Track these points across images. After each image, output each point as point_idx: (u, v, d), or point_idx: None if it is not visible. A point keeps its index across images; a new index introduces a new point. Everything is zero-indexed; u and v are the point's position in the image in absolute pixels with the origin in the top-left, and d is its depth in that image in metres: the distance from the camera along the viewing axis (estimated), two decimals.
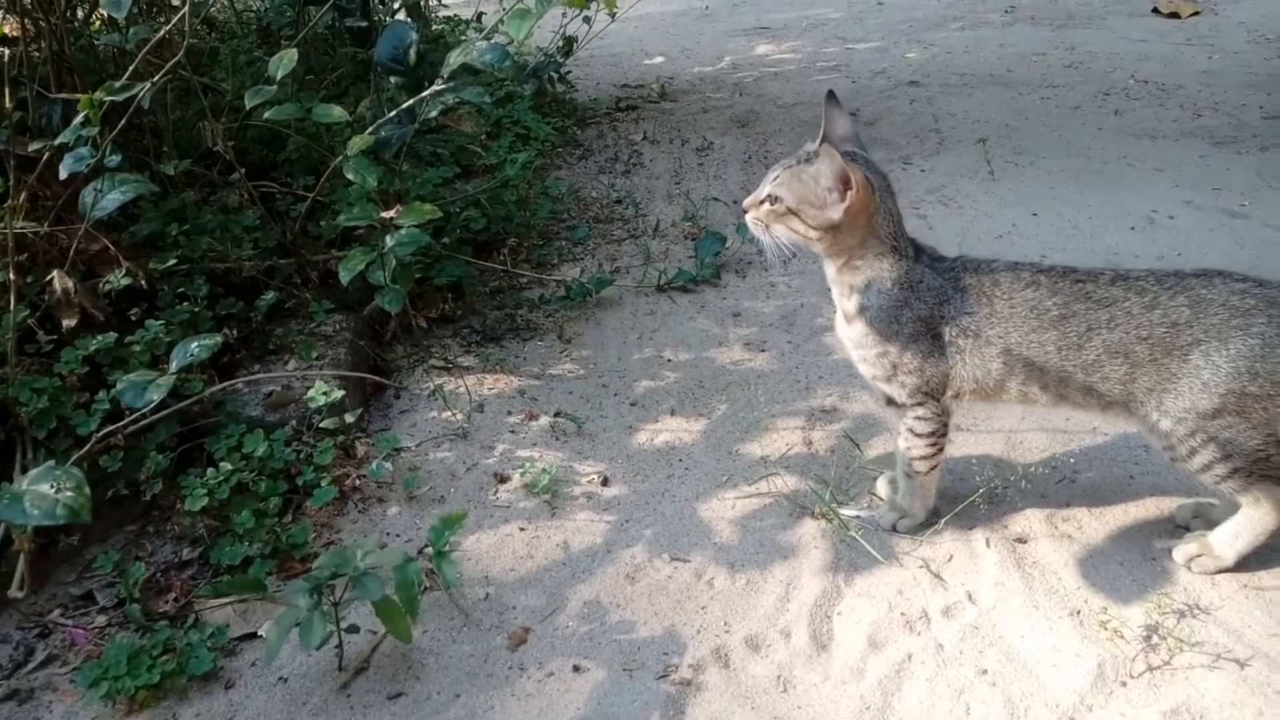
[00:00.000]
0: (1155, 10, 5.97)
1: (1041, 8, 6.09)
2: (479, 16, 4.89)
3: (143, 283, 2.38)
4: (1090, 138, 4.08)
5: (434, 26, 4.70)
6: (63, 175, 1.94)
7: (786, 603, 1.90)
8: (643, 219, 3.53)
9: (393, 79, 2.41)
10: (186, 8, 2.07)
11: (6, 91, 2.25)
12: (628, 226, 3.49)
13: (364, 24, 3.71)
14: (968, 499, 2.04)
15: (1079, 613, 1.83)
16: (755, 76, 5.08)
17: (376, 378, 2.53)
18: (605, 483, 2.27)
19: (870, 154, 1.96)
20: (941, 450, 1.98)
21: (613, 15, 2.10)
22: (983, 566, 1.96)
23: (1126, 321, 1.74)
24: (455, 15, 4.88)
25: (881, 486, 2.16)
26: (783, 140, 4.18)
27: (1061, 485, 2.17)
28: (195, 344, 1.76)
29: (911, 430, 1.94)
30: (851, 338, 1.92)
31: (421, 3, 4.10)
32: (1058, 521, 2.06)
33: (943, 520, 2.03)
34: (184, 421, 2.20)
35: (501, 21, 2.24)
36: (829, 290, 1.98)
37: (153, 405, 1.72)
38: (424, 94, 2.33)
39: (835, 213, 1.75)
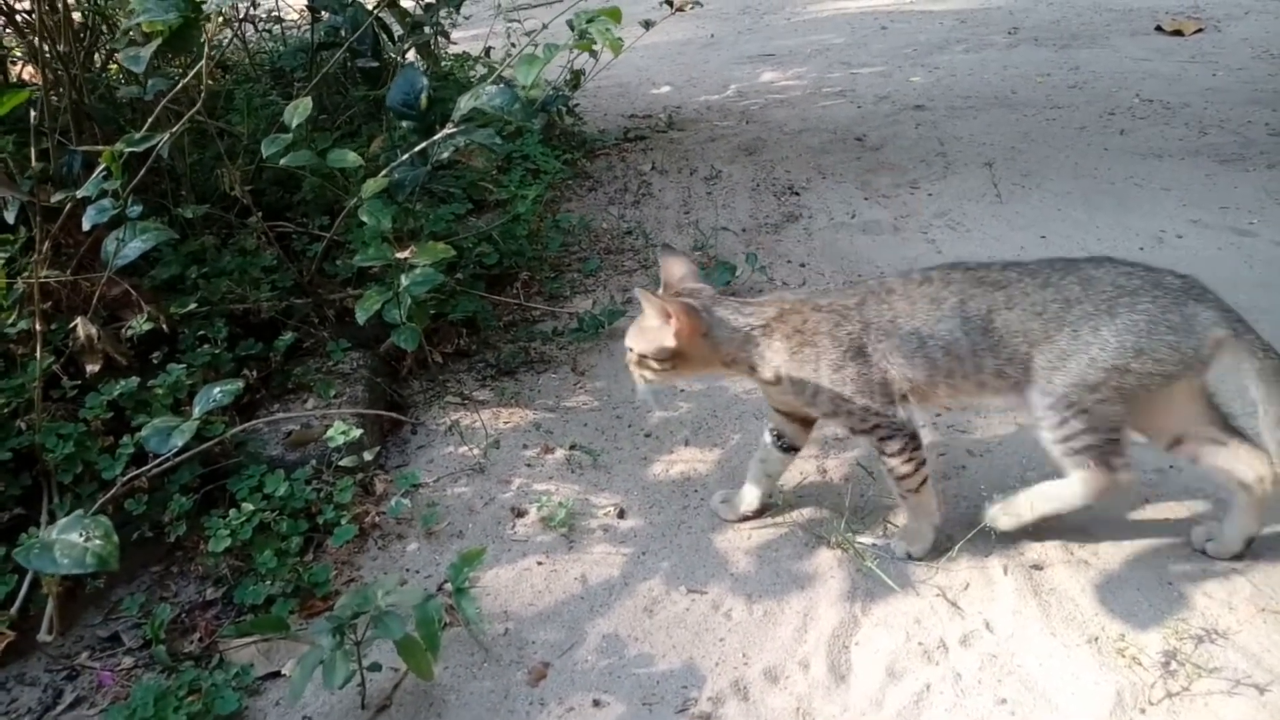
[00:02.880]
0: (1159, 28, 6.01)
1: (1045, 28, 6.14)
2: (487, 52, 4.98)
3: (164, 326, 2.43)
4: (1097, 158, 4.11)
5: (443, 63, 4.78)
6: (86, 227, 1.99)
7: (804, 633, 1.91)
8: (653, 249, 3.56)
9: (404, 123, 2.46)
10: (204, 61, 2.13)
11: (32, 144, 2.32)
12: (638, 257, 3.53)
13: (375, 64, 3.79)
14: (981, 525, 2.05)
15: (1097, 640, 1.83)
16: (761, 104, 5.14)
17: (394, 415, 2.57)
18: (622, 515, 2.29)
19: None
20: (922, 463, 1.98)
21: (616, 54, 2.14)
22: (1000, 594, 1.96)
23: (1023, 300, 1.84)
24: (465, 51, 4.96)
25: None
26: (790, 167, 4.22)
27: (1077, 510, 2.17)
28: (218, 389, 1.79)
29: (883, 453, 1.97)
30: (783, 394, 2.02)
31: (430, 42, 4.18)
32: (1073, 547, 2.07)
33: (956, 546, 2.04)
34: (205, 462, 2.24)
35: (502, 66, 2.29)
36: None
37: (176, 450, 1.76)
38: (435, 137, 2.38)
39: (670, 340, 1.93)
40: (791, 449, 2.16)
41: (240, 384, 1.81)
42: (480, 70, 4.99)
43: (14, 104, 1.47)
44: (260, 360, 2.57)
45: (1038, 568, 2.02)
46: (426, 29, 3.97)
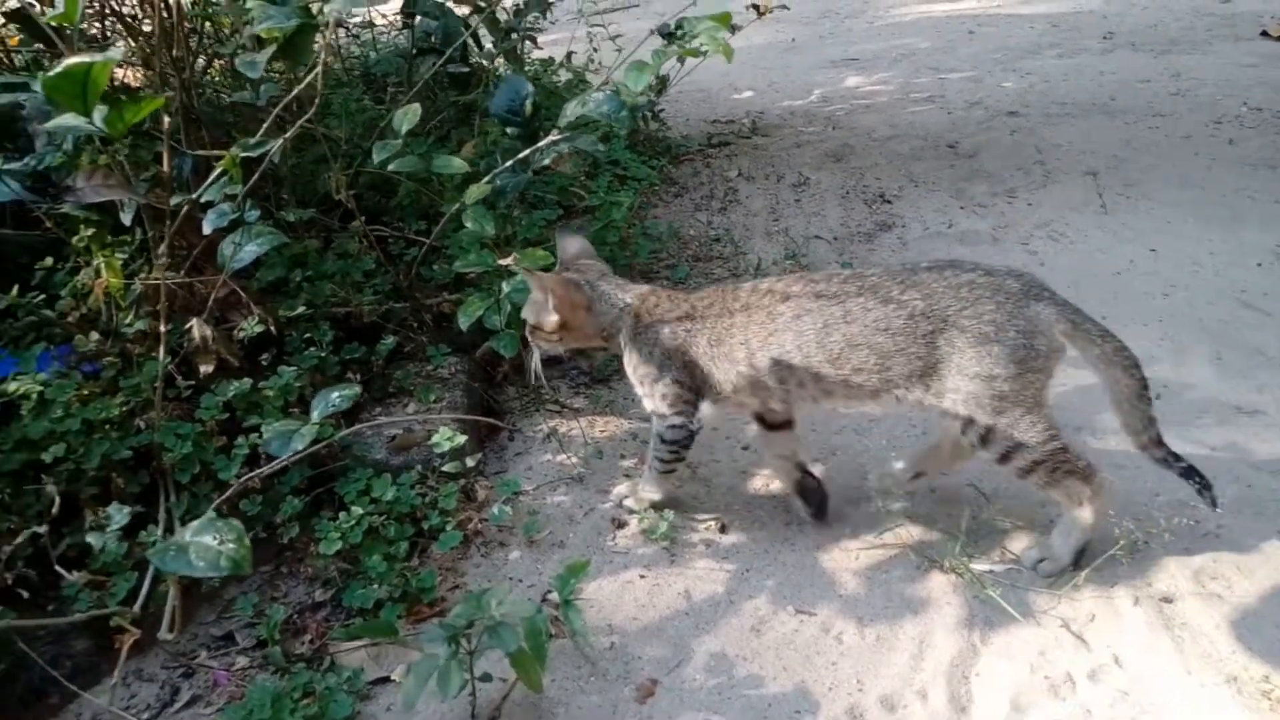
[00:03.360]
0: (1264, 34, 5.76)
1: (1141, 33, 5.93)
2: (569, 56, 4.99)
3: (272, 328, 2.47)
4: (1205, 169, 3.94)
5: (527, 68, 4.80)
6: (207, 231, 2.02)
7: (921, 661, 1.85)
8: (742, 257, 3.52)
9: (509, 129, 2.46)
10: (319, 67, 2.15)
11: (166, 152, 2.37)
12: (728, 265, 3.49)
13: (465, 69, 3.81)
14: (1106, 553, 1.96)
15: (1236, 679, 1.74)
16: (847, 109, 5.05)
17: (493, 421, 2.57)
18: (723, 530, 2.26)
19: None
20: (680, 459, 2.20)
21: (729, 59, 2.11)
22: (1128, 627, 1.88)
23: (863, 315, 1.88)
24: (550, 56, 4.98)
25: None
26: (880, 174, 4.14)
27: (1205, 539, 2.07)
28: (335, 394, 1.80)
29: (659, 437, 2.16)
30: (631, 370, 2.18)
31: (517, 48, 4.20)
32: (1204, 579, 1.97)
33: (1082, 575, 1.96)
34: (313, 465, 2.26)
35: (613, 68, 2.27)
36: None
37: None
38: (540, 144, 2.37)
39: (552, 314, 2.11)
40: (784, 424, 2.20)
41: (357, 389, 1.82)
42: (564, 75, 5.00)
43: (149, 111, 1.50)
44: (362, 364, 2.60)
45: (1168, 600, 1.93)
46: (514, 34, 3.99)
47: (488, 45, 3.92)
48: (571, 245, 2.29)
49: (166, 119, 1.79)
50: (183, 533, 1.49)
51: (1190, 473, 1.92)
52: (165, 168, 1.86)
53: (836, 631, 1.94)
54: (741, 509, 2.32)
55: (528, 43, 4.45)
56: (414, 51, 3.34)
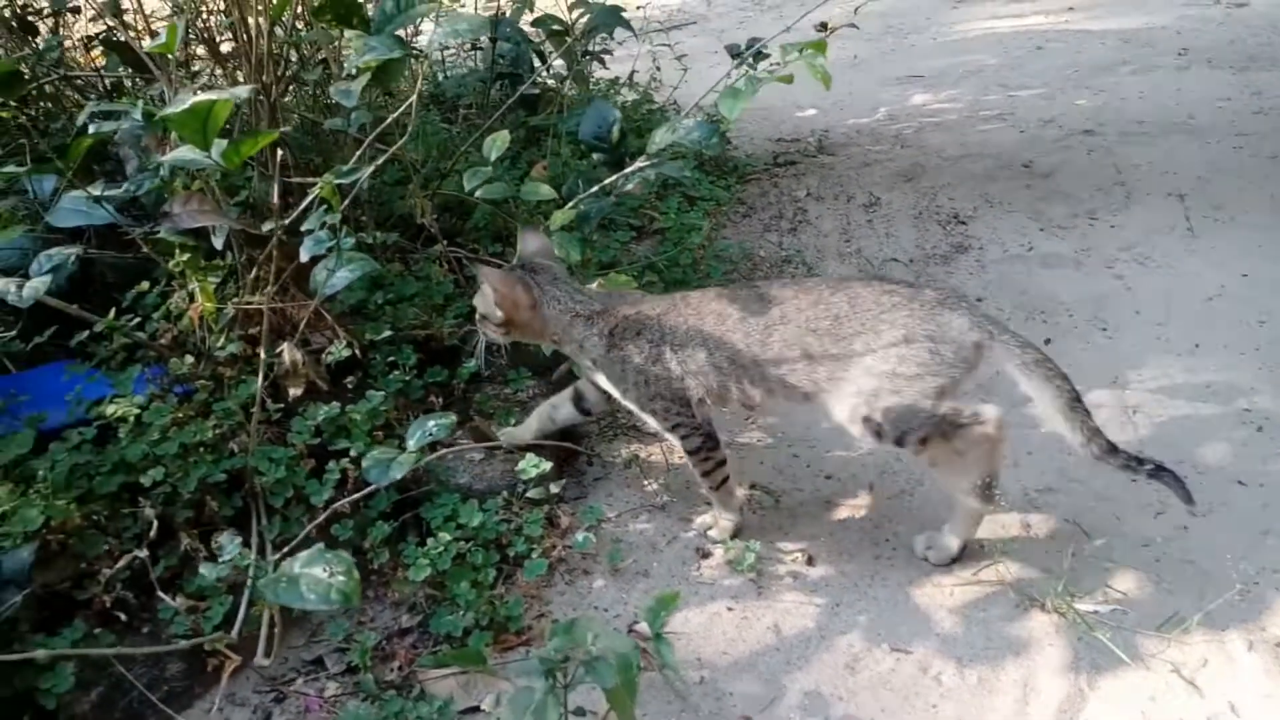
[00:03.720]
0: None
1: (1218, 50, 5.76)
2: (631, 76, 5.00)
3: (357, 352, 2.49)
4: None
5: (592, 88, 4.82)
6: (304, 258, 2.04)
7: (1025, 705, 1.79)
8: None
9: (595, 155, 2.46)
10: (415, 96, 2.17)
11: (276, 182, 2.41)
12: None
13: (535, 92, 3.84)
14: (1220, 596, 1.89)
15: None
16: (915, 128, 4.99)
17: (574, 446, 2.56)
18: (810, 561, 2.22)
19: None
20: (721, 463, 2.21)
21: (827, 87, 2.08)
22: (1243, 673, 1.80)
23: (797, 316, 2.00)
24: (616, 76, 5.00)
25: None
26: (954, 194, 4.07)
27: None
28: (432, 423, 1.80)
29: (685, 450, 2.21)
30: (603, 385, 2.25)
31: (584, 69, 4.22)
32: None
33: (1193, 620, 1.89)
34: (399, 489, 2.27)
35: (704, 95, 2.26)
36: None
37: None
38: (628, 170, 2.37)
39: (497, 309, 2.17)
40: (587, 413, 2.42)
41: (453, 418, 1.82)
42: (627, 95, 5.01)
43: (263, 145, 1.52)
44: (444, 387, 2.61)
45: None
46: (587, 56, 4.01)
47: (555, 66, 3.95)
48: (531, 243, 2.33)
49: (280, 151, 1.81)
50: (292, 564, 1.49)
51: (1159, 472, 1.93)
52: (274, 199, 1.88)
53: (935, 672, 1.89)
54: (828, 540, 2.27)
55: (594, 63, 4.48)
56: (493, 75, 3.36)
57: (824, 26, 4.36)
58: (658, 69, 5.51)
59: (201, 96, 1.35)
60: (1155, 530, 2.19)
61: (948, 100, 5.38)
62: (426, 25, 2.98)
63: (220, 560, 1.65)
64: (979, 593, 2.06)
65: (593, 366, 2.23)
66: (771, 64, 2.66)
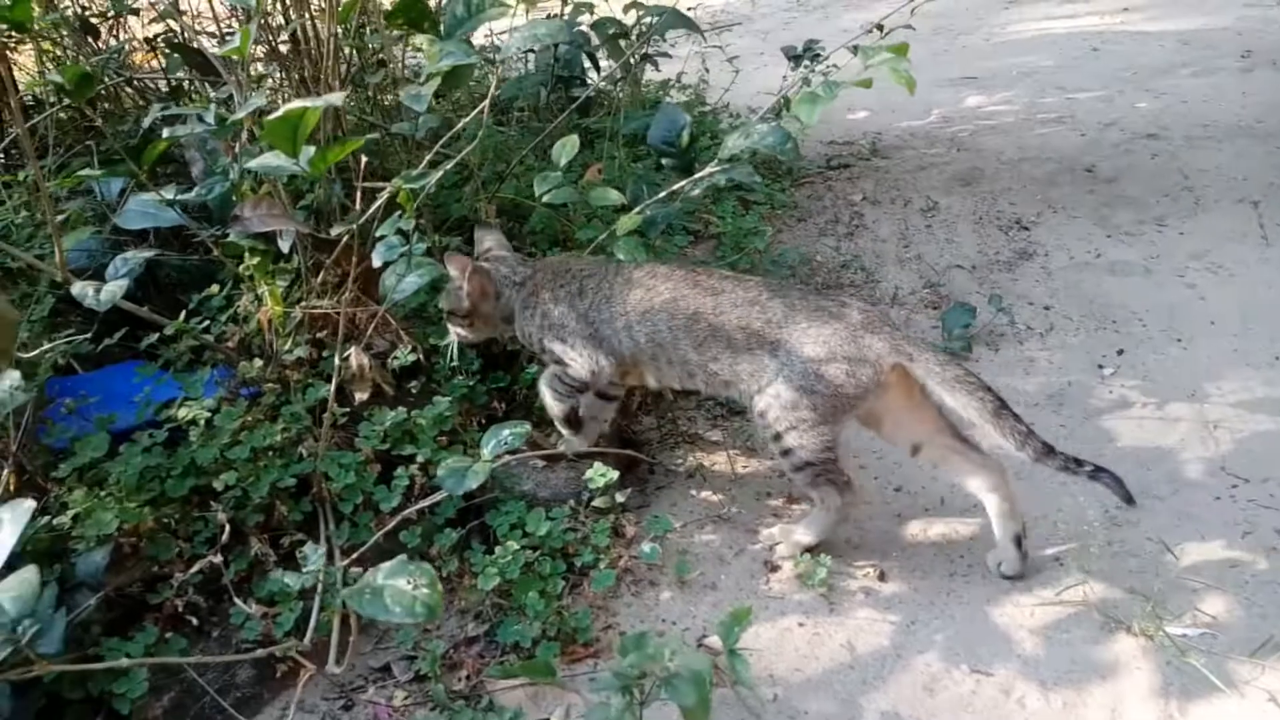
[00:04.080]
0: None
1: None
2: (679, 76, 4.97)
3: (420, 356, 2.48)
4: None
5: (644, 89, 4.79)
6: (376, 264, 2.02)
7: None
8: (875, 285, 3.42)
9: (664, 160, 2.42)
10: (487, 102, 2.15)
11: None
12: (860, 293, 3.39)
13: (589, 94, 3.81)
14: None
15: None
16: (970, 130, 4.90)
17: (636, 454, 2.53)
18: (882, 577, 2.17)
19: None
20: (575, 408, 2.31)
21: (911, 91, 2.04)
22: None
23: (730, 310, 2.07)
24: (667, 78, 4.96)
25: None
26: (1014, 199, 3.98)
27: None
28: (507, 433, 1.78)
29: (553, 379, 2.27)
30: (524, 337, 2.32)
31: (638, 71, 4.19)
32: None
33: None
34: (465, 495, 2.25)
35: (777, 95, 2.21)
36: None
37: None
38: (698, 175, 2.33)
39: (465, 301, 2.26)
40: (613, 397, 2.45)
41: (528, 427, 1.80)
42: (676, 95, 4.98)
43: (348, 152, 1.51)
44: (505, 391, 2.59)
45: None
46: (645, 58, 3.98)
47: (605, 67, 3.92)
48: (488, 239, 2.42)
49: (365, 158, 1.80)
50: (374, 574, 1.48)
51: (1098, 473, 2.03)
52: (356, 203, 1.87)
53: (1018, 695, 1.83)
54: (900, 555, 2.22)
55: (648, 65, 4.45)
56: (553, 79, 3.34)
57: (879, 29, 4.30)
58: (706, 70, 5.47)
59: (294, 104, 1.33)
60: (1243, 550, 2.12)
61: (1003, 102, 5.28)
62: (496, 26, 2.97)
63: (305, 570, 1.63)
64: (1061, 613, 2.00)
65: (523, 337, 2.30)
66: (830, 66, 2.61)
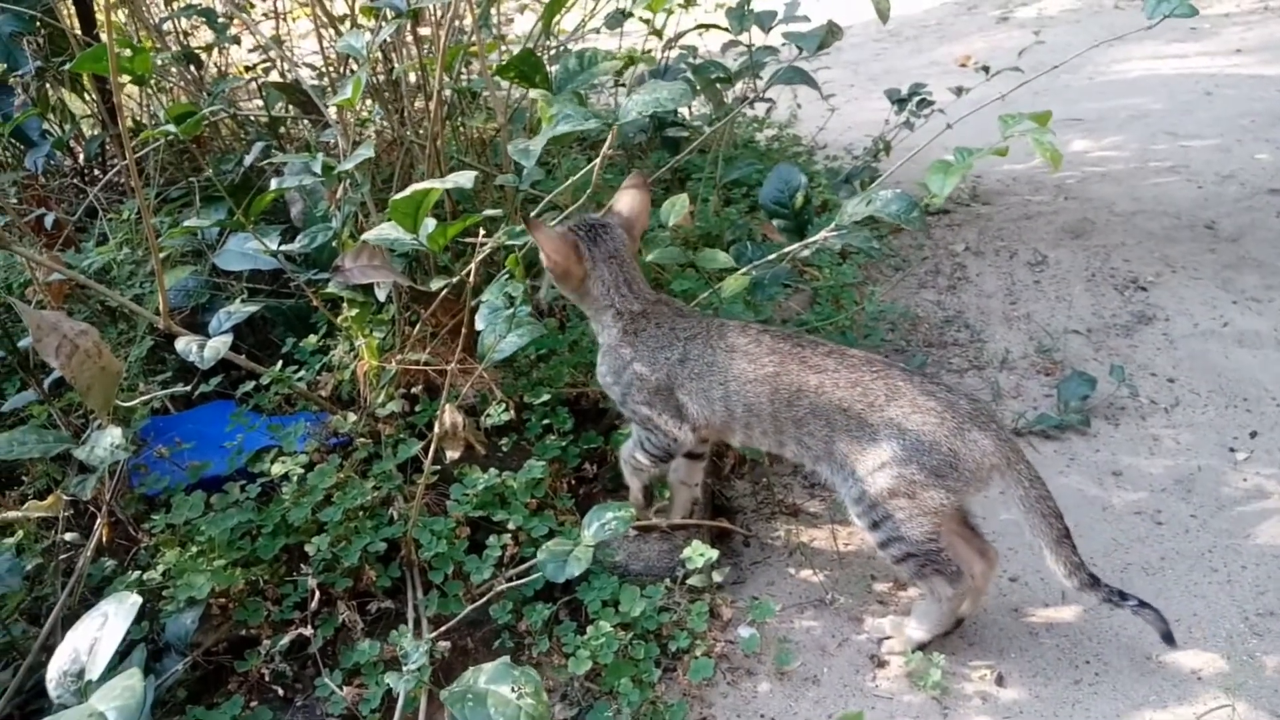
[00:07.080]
0: None
1: None
2: (769, 111, 4.89)
3: (511, 412, 2.41)
4: None
5: (736, 128, 4.70)
6: (480, 326, 1.96)
7: None
8: (982, 345, 3.25)
9: (775, 221, 2.32)
10: (601, 158, 2.07)
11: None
12: (965, 353, 3.22)
13: (685, 134, 3.72)
14: None
15: None
16: (1078, 177, 4.68)
17: (729, 525, 2.41)
18: (1000, 681, 2.01)
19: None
20: (655, 466, 2.19)
21: (1057, 167, 1.91)
22: None
23: (833, 390, 1.95)
24: (756, 115, 4.86)
25: None
26: (1129, 255, 3.77)
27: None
28: (611, 517, 1.69)
29: (638, 444, 2.16)
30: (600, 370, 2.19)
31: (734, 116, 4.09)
32: None
33: None
34: None
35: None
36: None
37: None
38: (813, 239, 2.22)
39: (547, 263, 2.08)
40: (699, 456, 2.31)
41: (632, 512, 1.70)
42: (770, 133, 4.88)
43: (466, 227, 1.45)
44: (596, 452, 2.50)
45: None
46: (743, 101, 3.89)
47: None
48: (631, 200, 2.17)
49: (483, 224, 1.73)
50: (476, 676, 1.39)
51: (1142, 608, 1.93)
52: (473, 273, 1.80)
53: None
54: (1019, 656, 2.06)
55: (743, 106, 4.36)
56: (653, 122, 3.26)
57: (985, 70, 4.14)
58: (798, 105, 5.36)
59: (421, 185, 1.27)
60: None
61: (1112, 148, 5.05)
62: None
63: (405, 670, 1.56)
64: None
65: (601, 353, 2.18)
66: (934, 109, 2.48)
